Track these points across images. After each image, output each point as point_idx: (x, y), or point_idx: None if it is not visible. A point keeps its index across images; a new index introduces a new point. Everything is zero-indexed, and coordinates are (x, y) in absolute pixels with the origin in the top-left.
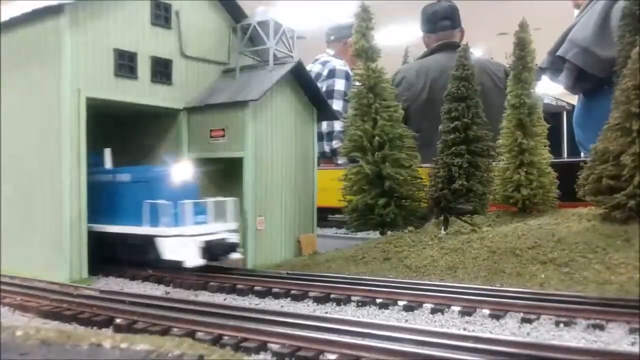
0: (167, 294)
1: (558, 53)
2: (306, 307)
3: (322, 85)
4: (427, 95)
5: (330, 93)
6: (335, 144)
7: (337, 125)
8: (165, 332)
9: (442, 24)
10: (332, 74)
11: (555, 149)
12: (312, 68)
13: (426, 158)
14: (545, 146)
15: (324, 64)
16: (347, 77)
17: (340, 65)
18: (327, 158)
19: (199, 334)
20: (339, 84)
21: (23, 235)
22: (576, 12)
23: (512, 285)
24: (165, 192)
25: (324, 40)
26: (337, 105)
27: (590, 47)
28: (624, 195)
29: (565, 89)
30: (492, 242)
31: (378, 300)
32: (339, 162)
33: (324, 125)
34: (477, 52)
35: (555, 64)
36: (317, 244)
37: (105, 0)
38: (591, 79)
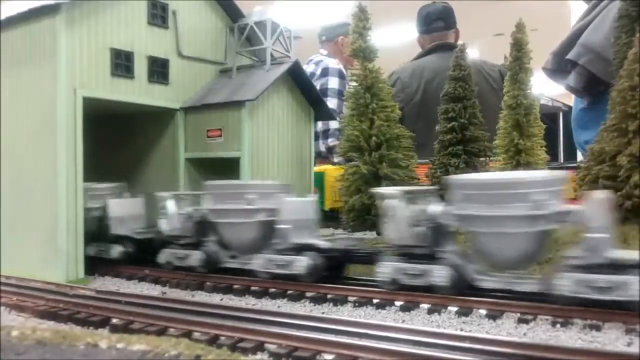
0: (163, 294)
1: (569, 56)
2: (303, 307)
3: (316, 84)
4: (421, 96)
5: (324, 91)
6: (331, 142)
7: (333, 124)
8: (161, 332)
9: (436, 25)
10: (325, 72)
11: (552, 150)
12: (306, 68)
13: (421, 159)
14: (541, 147)
15: (317, 63)
16: (340, 76)
17: (333, 63)
18: (323, 157)
19: (196, 334)
20: (333, 82)
21: (19, 235)
22: (572, 3)
23: None
24: None
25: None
26: (331, 103)
27: (604, 54)
28: (620, 196)
29: (569, 91)
30: None
31: (375, 301)
32: (335, 160)
33: (319, 124)
34: (473, 53)
35: (562, 66)
36: None
37: (101, 0)
38: (602, 83)
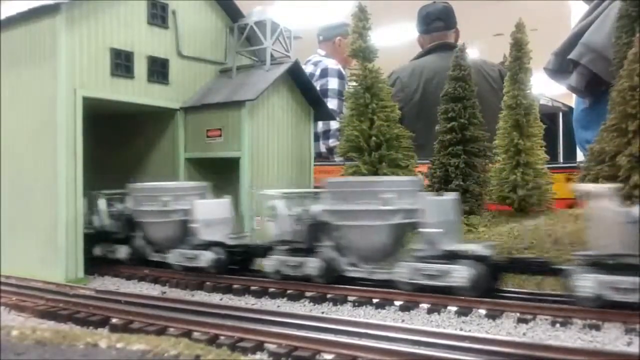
0: (163, 294)
1: (571, 56)
2: (303, 307)
3: (316, 85)
4: (420, 96)
5: (325, 92)
6: (332, 142)
7: (334, 124)
8: (161, 332)
9: (435, 24)
10: (324, 73)
11: (551, 150)
12: (305, 69)
13: (419, 159)
14: (541, 147)
15: (316, 64)
16: (340, 76)
17: (332, 64)
18: (324, 158)
19: (196, 334)
20: (333, 83)
21: (19, 235)
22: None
23: (508, 286)
24: None
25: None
26: (332, 104)
27: (605, 53)
28: (620, 196)
29: (571, 91)
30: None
31: (374, 300)
32: (336, 160)
33: (320, 124)
34: (473, 53)
35: (563, 66)
36: None
37: (101, 0)
38: (604, 83)
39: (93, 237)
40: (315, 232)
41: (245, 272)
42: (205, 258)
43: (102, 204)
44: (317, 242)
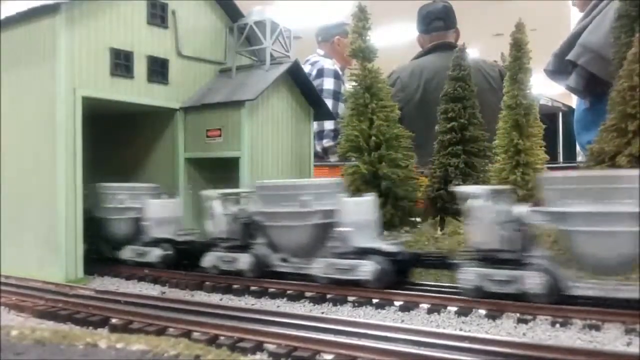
0: (163, 294)
1: (569, 57)
2: (302, 307)
3: None
4: (420, 96)
5: (320, 92)
6: (326, 142)
7: (327, 125)
8: (161, 332)
9: (435, 24)
10: (320, 73)
11: (551, 150)
12: (304, 69)
13: (420, 159)
14: (541, 147)
15: (313, 64)
16: (335, 76)
17: (328, 64)
18: (319, 158)
19: (195, 334)
20: (328, 83)
21: (18, 235)
22: (573, 8)
23: None
24: None
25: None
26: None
27: (603, 53)
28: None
29: (571, 92)
30: None
31: (374, 301)
32: (332, 160)
33: (314, 125)
34: (473, 53)
35: (562, 67)
36: None
37: (101, 0)
38: (602, 83)
39: (200, 245)
40: (526, 238)
41: (404, 285)
42: (367, 269)
43: (217, 206)
44: (527, 251)
